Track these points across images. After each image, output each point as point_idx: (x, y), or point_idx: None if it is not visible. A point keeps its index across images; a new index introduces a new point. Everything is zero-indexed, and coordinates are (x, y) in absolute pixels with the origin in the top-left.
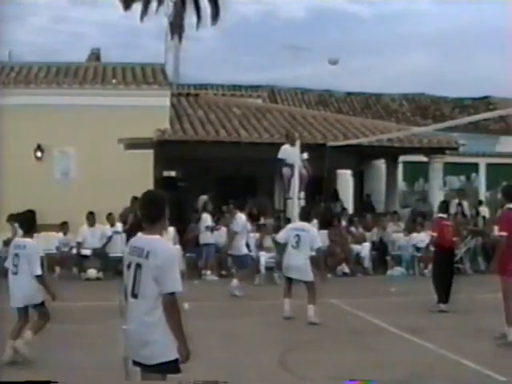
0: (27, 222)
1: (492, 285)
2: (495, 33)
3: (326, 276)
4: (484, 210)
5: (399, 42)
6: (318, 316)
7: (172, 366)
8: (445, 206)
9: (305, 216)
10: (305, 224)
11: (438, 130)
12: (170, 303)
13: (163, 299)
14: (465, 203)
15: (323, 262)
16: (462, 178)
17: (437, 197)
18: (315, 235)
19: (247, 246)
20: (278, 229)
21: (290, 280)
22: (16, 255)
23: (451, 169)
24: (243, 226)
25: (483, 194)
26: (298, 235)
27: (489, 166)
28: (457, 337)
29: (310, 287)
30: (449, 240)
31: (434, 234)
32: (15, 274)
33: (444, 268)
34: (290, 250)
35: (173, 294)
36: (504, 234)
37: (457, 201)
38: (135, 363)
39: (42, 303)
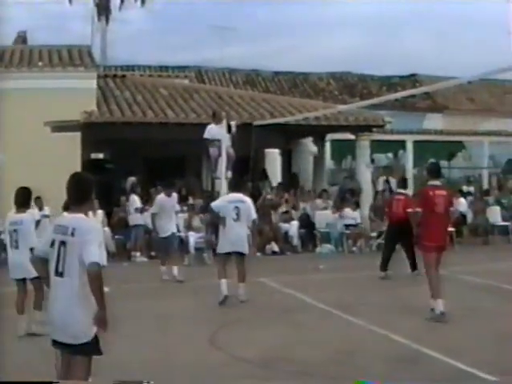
0: (22, 198)
1: (418, 260)
2: (421, 11)
3: (255, 250)
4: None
5: (326, 21)
6: (247, 294)
7: (94, 347)
8: (402, 183)
9: (237, 187)
10: (240, 195)
11: (364, 108)
12: (94, 272)
13: (88, 269)
14: (392, 180)
15: (255, 232)
16: (390, 155)
17: (364, 174)
18: (251, 206)
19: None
20: (206, 209)
21: (227, 256)
22: (15, 231)
23: (378, 146)
24: (160, 207)
25: (410, 170)
26: (237, 207)
27: (416, 143)
28: (386, 312)
29: (242, 262)
30: (397, 214)
31: (386, 210)
32: (16, 248)
33: (392, 241)
34: (231, 223)
35: (97, 264)
36: (419, 210)
37: (384, 178)
38: (56, 344)
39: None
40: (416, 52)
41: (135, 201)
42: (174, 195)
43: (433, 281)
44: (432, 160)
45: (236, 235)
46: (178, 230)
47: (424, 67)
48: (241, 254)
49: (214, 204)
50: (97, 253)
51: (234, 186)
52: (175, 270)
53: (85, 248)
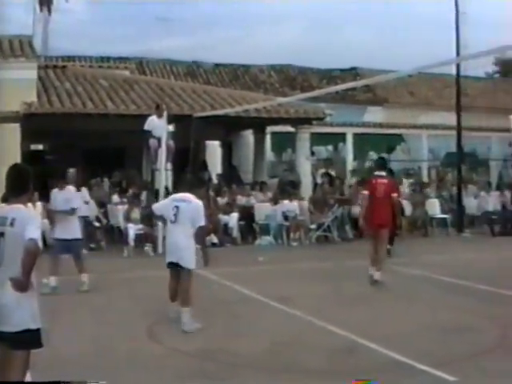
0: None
1: (359, 252)
2: (362, 5)
3: (208, 258)
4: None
5: (267, 14)
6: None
7: (35, 337)
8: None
9: (187, 186)
10: (187, 194)
11: (305, 101)
12: (31, 247)
13: (25, 244)
14: (332, 172)
15: (203, 241)
16: (330, 147)
17: (304, 167)
18: (198, 208)
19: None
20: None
21: (172, 267)
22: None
23: (319, 139)
24: (53, 203)
25: (350, 163)
26: (177, 207)
27: (356, 135)
28: (324, 304)
29: (183, 278)
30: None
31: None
32: None
33: None
34: (169, 226)
35: (35, 240)
36: (366, 192)
37: (324, 170)
38: None
39: None
40: (357, 45)
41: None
42: (69, 188)
43: (370, 252)
44: (372, 153)
45: (173, 243)
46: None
47: (365, 61)
48: (181, 267)
49: (155, 206)
50: (36, 232)
51: (183, 185)
52: (85, 277)
53: (25, 230)
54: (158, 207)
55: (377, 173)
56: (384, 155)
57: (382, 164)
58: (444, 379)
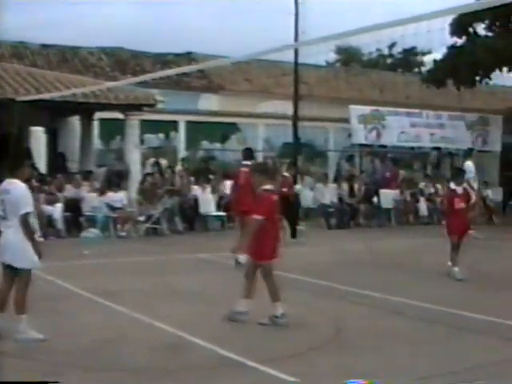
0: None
1: (189, 245)
2: None
3: (39, 251)
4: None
5: None
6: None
7: None
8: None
9: (7, 170)
10: (11, 181)
11: (137, 86)
12: None
13: None
14: (163, 162)
15: (29, 231)
16: (161, 135)
17: (133, 155)
18: (21, 193)
19: None
20: None
21: (6, 268)
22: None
23: (150, 126)
24: None
25: (182, 152)
26: (2, 200)
27: (189, 123)
28: (151, 299)
29: (17, 282)
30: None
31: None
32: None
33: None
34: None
35: None
36: (231, 181)
37: (154, 159)
38: None
39: None
40: (193, 30)
41: None
42: None
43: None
44: (206, 142)
45: (4, 240)
46: None
47: (201, 46)
48: (14, 269)
49: None
50: None
51: (7, 169)
52: None
53: None
54: None
55: (243, 162)
56: (218, 145)
57: (248, 154)
58: (275, 376)
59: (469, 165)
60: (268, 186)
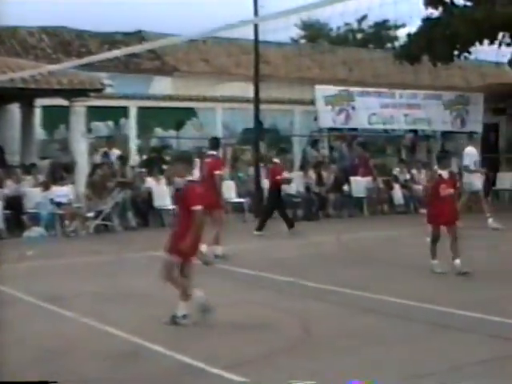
0: None
1: (144, 243)
2: None
3: None
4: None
5: None
6: None
7: None
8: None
9: None
10: None
11: (82, 69)
12: None
13: None
14: (114, 152)
15: None
16: (110, 123)
17: (79, 145)
18: None
19: None
20: None
21: None
22: None
23: (97, 113)
24: None
25: (134, 140)
26: None
27: (140, 109)
28: (103, 303)
29: None
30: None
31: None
32: None
33: (270, 204)
34: None
35: None
36: (210, 160)
37: (105, 149)
38: None
39: None
40: (144, 6)
41: None
42: None
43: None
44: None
45: None
46: None
47: (152, 24)
48: None
49: None
50: None
51: None
52: None
53: None
54: None
55: (209, 152)
56: (172, 132)
57: (214, 143)
58: (237, 382)
59: (471, 150)
60: (191, 177)
